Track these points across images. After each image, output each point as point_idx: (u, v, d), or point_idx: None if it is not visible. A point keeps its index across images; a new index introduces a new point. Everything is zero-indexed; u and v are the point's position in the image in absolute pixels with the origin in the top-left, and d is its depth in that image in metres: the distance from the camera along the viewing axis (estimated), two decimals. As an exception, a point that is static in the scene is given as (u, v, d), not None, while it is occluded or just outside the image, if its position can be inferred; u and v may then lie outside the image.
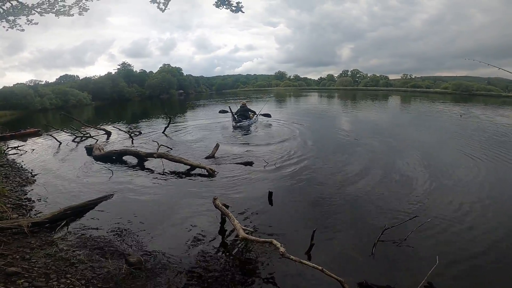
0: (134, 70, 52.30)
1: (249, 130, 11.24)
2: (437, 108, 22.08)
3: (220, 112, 13.74)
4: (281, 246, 2.85)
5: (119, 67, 51.04)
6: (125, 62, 53.51)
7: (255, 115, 12.60)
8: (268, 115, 13.16)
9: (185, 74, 60.32)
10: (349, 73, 69.52)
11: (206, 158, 7.10)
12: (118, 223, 4.06)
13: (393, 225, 3.64)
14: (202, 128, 12.36)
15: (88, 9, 6.40)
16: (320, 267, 2.62)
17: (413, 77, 60.80)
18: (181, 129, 12.58)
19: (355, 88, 60.79)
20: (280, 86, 65.65)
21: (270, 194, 4.74)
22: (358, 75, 68.29)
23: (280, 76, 75.51)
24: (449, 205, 4.58)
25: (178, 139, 10.08)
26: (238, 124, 11.34)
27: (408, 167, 6.49)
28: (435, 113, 18.97)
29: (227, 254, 3.39)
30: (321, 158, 7.27)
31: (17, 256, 3.03)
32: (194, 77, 64.21)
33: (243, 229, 3.30)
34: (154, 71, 55.53)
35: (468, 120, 14.54)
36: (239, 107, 12.62)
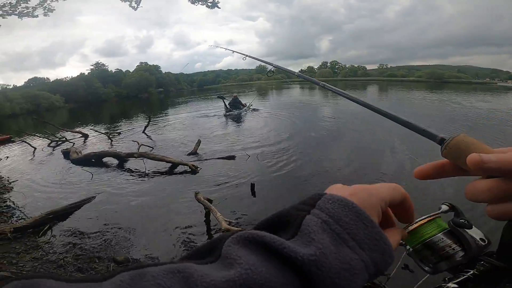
0: (110, 70, 50.46)
1: (238, 119, 12.44)
2: (414, 95, 23.17)
3: (218, 97, 15.51)
4: None
5: (92, 67, 49.00)
6: (99, 62, 51.41)
7: (245, 107, 13.80)
8: (256, 109, 14.30)
9: (164, 72, 59.01)
10: (328, 64, 70.90)
11: (188, 154, 7.11)
12: (103, 224, 4.05)
13: None
14: (183, 125, 12.29)
15: (54, 9, 6.20)
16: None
17: (389, 66, 63.09)
18: (162, 127, 12.41)
19: (334, 79, 62.09)
20: (261, 80, 65.71)
21: (253, 186, 4.84)
22: (337, 66, 69.80)
23: (261, 70, 75.41)
24: (429, 192, 4.54)
25: (159, 138, 9.96)
26: (228, 113, 12.88)
27: (391, 153, 6.71)
28: (414, 100, 19.90)
29: None
30: (303, 148, 7.46)
31: (4, 261, 3.04)
32: (174, 75, 62.84)
33: (225, 221, 3.39)
34: (131, 70, 53.81)
35: (450, 106, 15.25)
36: (231, 99, 13.86)
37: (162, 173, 6.12)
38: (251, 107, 14.07)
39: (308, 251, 0.24)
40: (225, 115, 12.87)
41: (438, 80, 47.00)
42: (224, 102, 13.46)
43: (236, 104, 13.58)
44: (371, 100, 0.74)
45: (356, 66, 66.64)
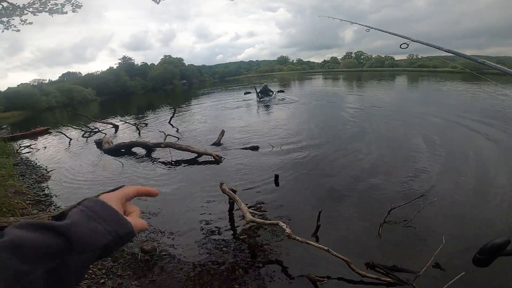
0: (136, 63, 52.20)
1: (266, 107, 13.49)
2: (449, 86, 21.44)
3: (245, 93, 16.62)
4: (287, 227, 2.85)
5: (120, 61, 50.94)
6: (126, 56, 53.29)
7: (274, 93, 15.10)
8: (282, 91, 15.79)
9: (186, 64, 60.03)
10: (353, 55, 67.72)
11: (213, 144, 7.21)
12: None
13: (399, 205, 3.54)
14: (207, 116, 12.50)
15: (81, 5, 6.43)
16: (326, 248, 2.62)
17: (419, 57, 58.81)
18: (187, 118, 12.70)
19: (360, 69, 59.32)
20: (283, 71, 64.63)
21: (277, 177, 4.79)
22: (362, 57, 66.46)
23: (283, 60, 74.19)
24: (457, 185, 4.46)
25: (184, 128, 10.20)
26: (261, 99, 14.47)
27: (416, 146, 6.36)
28: (451, 92, 18.42)
29: (237, 237, 3.48)
30: (327, 139, 7.29)
31: None
32: (196, 67, 63.80)
33: (250, 212, 3.36)
34: (156, 63, 55.36)
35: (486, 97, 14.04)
36: (262, 87, 15.30)
37: (187, 163, 6.27)
38: (277, 95, 15.03)
39: (64, 223, 0.40)
40: (258, 102, 14.41)
41: (475, 70, 43.08)
42: (256, 92, 14.91)
43: (266, 92, 14.98)
44: None
45: (383, 56, 62.91)
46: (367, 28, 2.26)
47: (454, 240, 3.02)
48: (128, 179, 5.60)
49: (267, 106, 13.59)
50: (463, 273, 2.30)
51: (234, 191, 4.14)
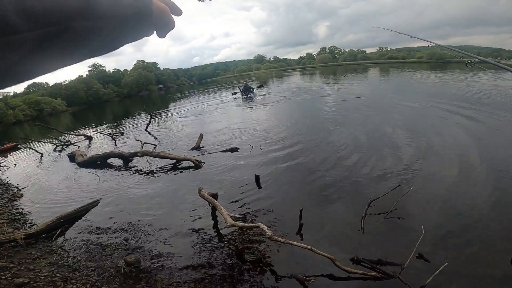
0: (107, 70, 50.12)
1: (252, 100, 15.17)
2: (417, 75, 22.64)
3: (232, 94, 18.25)
4: (267, 229, 2.84)
5: (89, 68, 48.65)
6: (95, 63, 50.74)
7: (255, 89, 17.00)
8: (262, 86, 18.58)
9: (162, 68, 58.71)
10: (327, 50, 69.44)
11: (192, 149, 7.13)
12: (111, 225, 4.11)
13: (378, 197, 3.60)
14: (185, 120, 12.33)
15: None
16: (309, 247, 2.64)
17: (388, 49, 61.64)
18: (164, 123, 12.45)
19: (334, 64, 60.98)
20: (261, 69, 64.97)
21: (257, 177, 4.79)
22: (336, 51, 68.36)
23: (260, 59, 74.60)
24: (433, 171, 4.60)
25: (162, 134, 9.99)
26: (245, 96, 15.94)
27: (392, 136, 6.59)
28: (418, 80, 19.43)
29: (223, 241, 3.45)
30: (306, 134, 7.41)
31: (22, 268, 3.14)
32: (172, 70, 62.52)
33: (230, 216, 3.34)
34: (129, 69, 53.54)
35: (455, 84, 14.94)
36: (243, 86, 16.73)
37: (166, 170, 6.15)
38: (257, 90, 17.00)
39: None
40: (242, 99, 15.78)
41: (440, 60, 46.12)
42: (240, 91, 16.61)
43: (248, 89, 16.39)
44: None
45: (355, 50, 65.18)
46: (432, 44, 2.41)
47: (434, 229, 3.12)
48: (105, 192, 5.42)
49: (248, 106, 13.92)
50: (446, 263, 2.38)
51: (215, 195, 4.13)
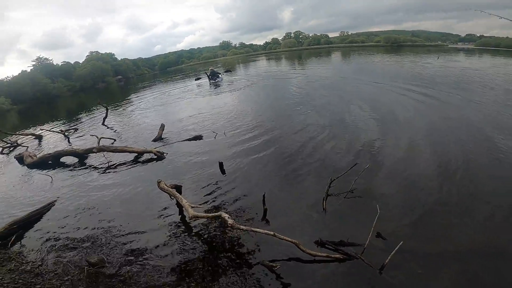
0: (56, 64, 45.16)
1: (219, 86, 15.27)
2: (376, 58, 23.81)
3: (196, 79, 18.90)
4: (229, 218, 2.79)
5: (34, 63, 43.39)
6: (41, 56, 45.09)
7: (221, 74, 17.91)
8: (229, 71, 20.36)
9: (119, 58, 54.60)
10: (292, 35, 69.72)
11: (153, 141, 6.83)
12: (70, 227, 3.86)
13: (337, 176, 3.66)
14: (147, 111, 11.71)
15: None
16: (271, 233, 2.64)
17: (349, 33, 63.77)
18: (124, 115, 11.72)
19: (299, 48, 61.60)
20: (227, 56, 63.50)
21: (221, 164, 4.72)
22: (301, 36, 68.91)
23: (226, 45, 72.63)
24: (387, 149, 4.85)
25: (122, 127, 9.42)
26: (212, 81, 16.60)
27: (353, 116, 6.87)
28: (377, 62, 20.47)
29: (187, 234, 3.34)
30: (270, 118, 7.48)
31: None
32: (131, 60, 58.44)
33: (192, 207, 3.26)
34: (81, 61, 48.82)
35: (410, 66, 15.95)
36: (210, 72, 17.25)
37: (127, 165, 5.85)
38: (224, 75, 18.02)
39: None
40: (210, 84, 16.21)
41: (395, 44, 49.29)
42: (207, 76, 17.18)
43: (215, 74, 17.07)
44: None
45: (319, 35, 66.34)
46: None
47: (390, 207, 3.27)
48: (60, 193, 4.99)
49: (214, 92, 13.83)
50: (402, 242, 2.52)
51: (179, 186, 4.03)
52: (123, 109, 13.71)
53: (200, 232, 3.37)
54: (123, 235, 3.51)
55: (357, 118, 6.66)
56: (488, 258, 2.55)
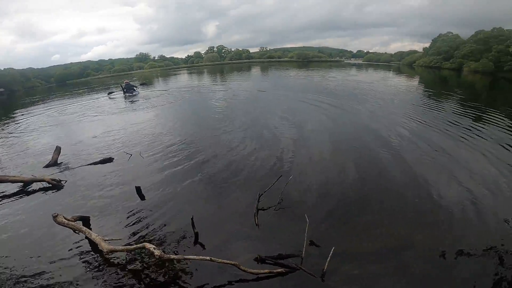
0: None
1: (134, 99, 14.54)
2: (292, 72, 27.00)
3: (108, 93, 17.69)
4: (155, 249, 2.54)
5: None
6: None
7: (137, 87, 17.03)
8: (145, 83, 20.41)
9: (2, 68, 43.96)
10: (215, 49, 71.14)
11: (46, 167, 5.66)
12: None
13: (264, 190, 3.75)
14: (38, 130, 9.65)
15: None
16: (208, 258, 2.52)
17: (268, 49, 69.97)
18: (3, 139, 9.27)
19: (222, 62, 63.38)
20: (144, 69, 59.30)
21: (138, 189, 4.23)
22: (223, 51, 71.04)
23: (143, 58, 67.90)
24: (305, 159, 5.23)
25: (3, 152, 7.43)
26: (127, 95, 15.78)
27: (274, 128, 7.36)
28: (292, 77, 23.23)
29: (108, 271, 2.85)
30: (191, 135, 7.28)
31: None
32: (18, 71, 47.81)
33: (105, 241, 2.85)
34: None
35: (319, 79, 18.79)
36: (124, 85, 16.43)
37: (10, 197, 4.62)
38: (139, 88, 17.22)
39: None
40: (125, 98, 15.34)
41: (306, 59, 57.31)
42: (122, 89, 16.25)
43: (130, 87, 16.20)
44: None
45: (240, 49, 70.00)
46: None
47: (317, 214, 3.47)
48: None
49: (126, 107, 12.83)
50: (334, 247, 2.72)
51: (86, 218, 3.44)
52: (2, 129, 10.85)
53: (123, 268, 2.89)
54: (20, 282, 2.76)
55: (278, 129, 7.25)
56: (407, 250, 2.88)
